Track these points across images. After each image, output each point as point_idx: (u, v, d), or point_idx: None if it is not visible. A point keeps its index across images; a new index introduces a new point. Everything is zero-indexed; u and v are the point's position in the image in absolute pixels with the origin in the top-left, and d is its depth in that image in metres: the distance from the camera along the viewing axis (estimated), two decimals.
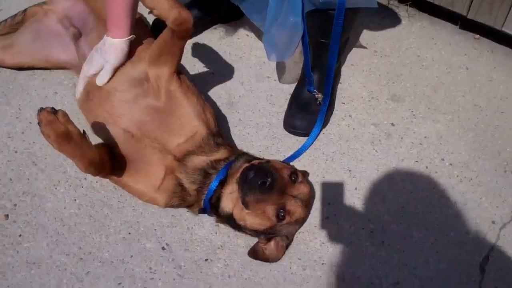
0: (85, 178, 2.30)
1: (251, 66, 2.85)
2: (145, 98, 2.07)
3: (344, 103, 2.71)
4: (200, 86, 2.35)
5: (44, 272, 2.06)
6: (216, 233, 2.19)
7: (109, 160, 1.99)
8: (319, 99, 2.44)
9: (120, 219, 2.21)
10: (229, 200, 1.97)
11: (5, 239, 2.13)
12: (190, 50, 2.83)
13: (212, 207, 2.04)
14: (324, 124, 2.50)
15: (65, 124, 1.71)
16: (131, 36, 2.11)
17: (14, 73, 2.63)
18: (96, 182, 2.28)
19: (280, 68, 2.67)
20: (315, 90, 2.45)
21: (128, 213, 2.23)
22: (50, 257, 2.10)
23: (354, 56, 2.95)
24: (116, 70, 2.13)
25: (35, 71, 2.64)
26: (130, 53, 2.16)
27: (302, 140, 2.50)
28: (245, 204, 1.90)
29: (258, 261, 2.08)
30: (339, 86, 2.77)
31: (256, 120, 2.61)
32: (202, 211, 2.09)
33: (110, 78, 2.12)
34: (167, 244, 2.16)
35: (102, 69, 2.12)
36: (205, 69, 2.79)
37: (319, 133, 2.50)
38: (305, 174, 2.19)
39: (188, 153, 2.04)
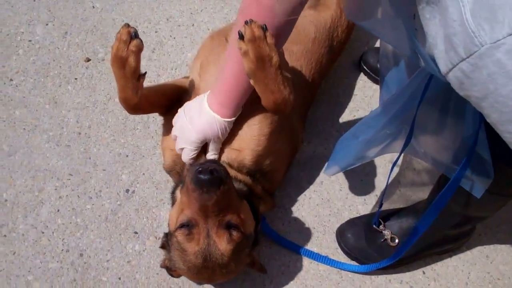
0: None
1: None
2: None
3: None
4: None
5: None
6: None
7: (160, 104, 1.81)
8: (387, 237, 1.89)
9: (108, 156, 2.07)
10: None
11: (66, 71, 2.21)
12: None
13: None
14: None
15: (129, 53, 1.58)
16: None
17: None
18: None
19: None
20: (381, 226, 1.90)
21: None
22: (67, 111, 2.08)
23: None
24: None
25: None
26: None
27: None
28: (183, 186, 1.58)
29: None
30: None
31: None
32: None
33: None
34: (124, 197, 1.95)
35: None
36: None
37: (366, 271, 1.92)
38: (239, 230, 1.59)
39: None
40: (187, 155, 1.67)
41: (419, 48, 1.22)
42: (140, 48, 1.58)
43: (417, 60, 1.32)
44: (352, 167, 1.80)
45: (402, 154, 1.70)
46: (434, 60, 1.14)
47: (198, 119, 1.62)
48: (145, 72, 1.65)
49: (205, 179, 1.44)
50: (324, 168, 2.02)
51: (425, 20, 1.03)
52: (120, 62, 1.58)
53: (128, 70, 1.59)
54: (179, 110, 1.70)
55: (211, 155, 1.68)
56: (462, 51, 0.92)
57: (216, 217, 1.51)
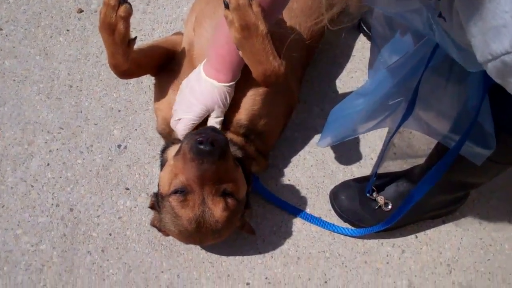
0: None
1: None
2: None
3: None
4: None
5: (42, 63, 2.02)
6: None
7: (151, 66, 1.76)
8: (380, 203, 1.88)
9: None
10: (174, 150, 1.61)
11: (58, 22, 2.15)
12: None
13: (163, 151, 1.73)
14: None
15: (118, 19, 1.53)
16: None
17: None
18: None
19: None
20: (374, 194, 1.89)
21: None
22: (58, 63, 2.02)
23: None
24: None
25: None
26: None
27: None
28: (178, 151, 1.53)
29: None
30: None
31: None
32: None
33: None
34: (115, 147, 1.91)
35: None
36: None
37: (359, 236, 1.91)
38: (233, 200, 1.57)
39: None
40: (184, 124, 1.60)
41: (442, 35, 1.18)
42: (129, 13, 1.53)
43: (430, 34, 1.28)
44: (346, 139, 1.78)
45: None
46: (460, 47, 1.10)
47: (198, 88, 1.58)
48: (135, 37, 1.61)
49: (206, 150, 1.41)
50: (317, 140, 1.99)
51: (464, 8, 0.98)
52: (108, 28, 1.54)
53: (117, 36, 1.55)
54: (180, 87, 1.65)
55: (212, 123, 1.62)
56: (507, 44, 0.87)
57: (212, 185, 1.48)
